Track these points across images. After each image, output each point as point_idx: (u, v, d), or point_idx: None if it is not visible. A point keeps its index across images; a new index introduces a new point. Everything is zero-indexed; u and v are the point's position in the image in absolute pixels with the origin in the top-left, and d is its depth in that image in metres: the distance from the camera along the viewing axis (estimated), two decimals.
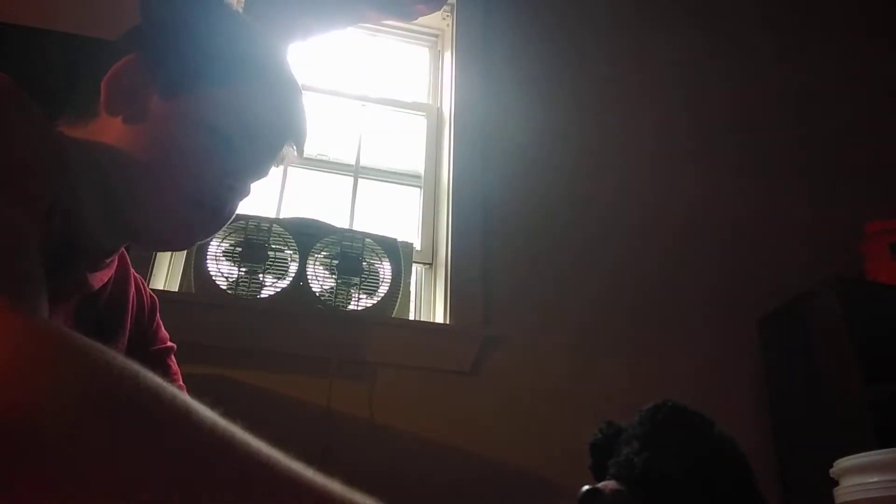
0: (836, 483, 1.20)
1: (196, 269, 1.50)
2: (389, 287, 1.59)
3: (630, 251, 1.88)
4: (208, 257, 1.50)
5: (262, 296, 1.51)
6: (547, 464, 1.53)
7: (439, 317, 1.70)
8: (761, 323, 1.82)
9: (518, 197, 1.87)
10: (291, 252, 1.56)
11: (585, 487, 0.84)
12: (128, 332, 0.70)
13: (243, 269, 1.52)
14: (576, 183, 1.93)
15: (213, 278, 1.49)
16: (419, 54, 2.19)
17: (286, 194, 1.84)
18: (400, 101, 2.07)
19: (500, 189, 1.86)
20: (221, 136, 0.61)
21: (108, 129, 0.58)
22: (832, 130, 2.25)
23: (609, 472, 0.89)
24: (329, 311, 1.54)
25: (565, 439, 1.52)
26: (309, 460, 0.30)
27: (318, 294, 1.54)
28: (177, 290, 1.56)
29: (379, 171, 1.97)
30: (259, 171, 0.67)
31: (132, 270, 0.72)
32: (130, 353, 0.64)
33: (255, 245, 1.54)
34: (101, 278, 0.63)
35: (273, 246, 1.55)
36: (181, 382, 0.77)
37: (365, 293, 1.58)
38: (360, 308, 1.57)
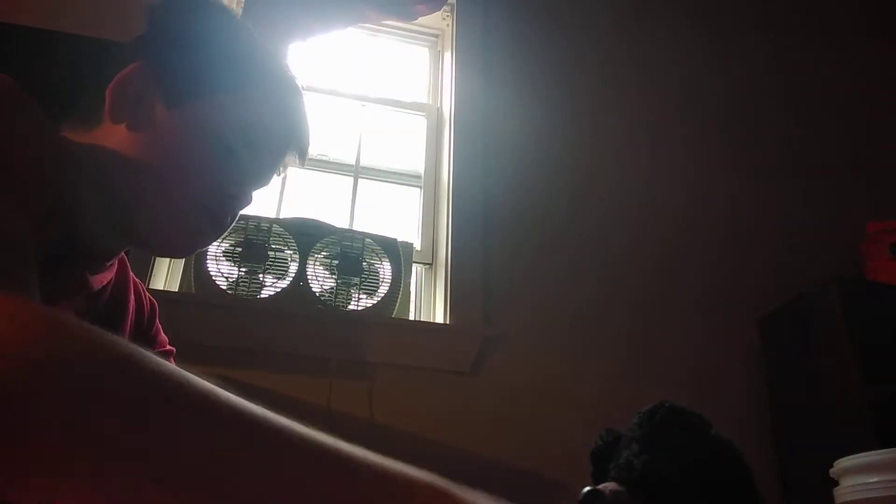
0: (836, 483, 1.20)
1: (196, 269, 1.50)
2: (389, 287, 1.60)
3: (630, 251, 1.88)
4: (208, 257, 1.50)
5: (262, 296, 1.51)
6: (547, 463, 1.53)
7: (439, 317, 1.70)
8: (761, 323, 1.82)
9: (518, 197, 1.87)
10: (291, 252, 1.56)
11: (586, 489, 0.84)
12: (127, 336, 0.70)
13: (243, 269, 1.52)
14: (575, 183, 1.93)
15: (214, 278, 1.49)
16: (419, 54, 2.19)
17: (286, 194, 1.84)
18: (400, 101, 2.06)
19: (500, 189, 1.86)
20: (225, 144, 0.61)
21: (112, 136, 0.59)
22: (832, 130, 2.25)
23: (609, 475, 0.89)
24: (329, 311, 1.54)
25: (565, 439, 1.53)
26: None
27: (318, 294, 1.54)
28: (177, 290, 1.57)
29: (379, 171, 1.97)
30: (261, 179, 0.68)
31: (132, 275, 0.73)
32: None
33: (255, 245, 1.54)
34: (101, 280, 0.63)
35: (273, 246, 1.55)
36: None
37: (365, 293, 1.58)
38: (360, 308, 1.57)
